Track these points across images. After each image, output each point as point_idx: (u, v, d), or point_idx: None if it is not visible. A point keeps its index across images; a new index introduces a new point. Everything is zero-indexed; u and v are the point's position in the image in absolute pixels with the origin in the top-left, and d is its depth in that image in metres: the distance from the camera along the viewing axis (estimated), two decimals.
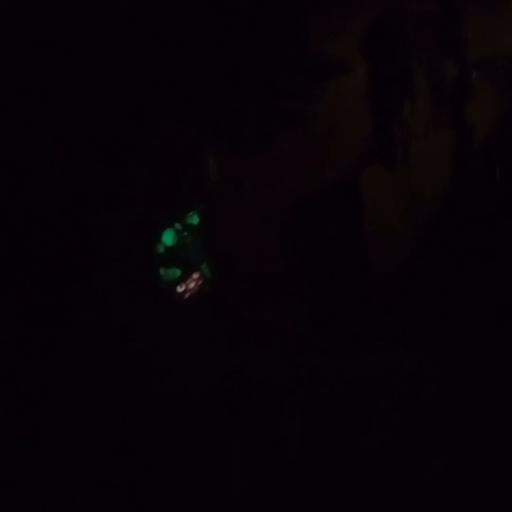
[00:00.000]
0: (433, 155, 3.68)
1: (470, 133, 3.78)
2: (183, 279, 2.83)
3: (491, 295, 3.56)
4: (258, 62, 2.71)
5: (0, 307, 2.33)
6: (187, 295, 2.83)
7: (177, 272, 2.82)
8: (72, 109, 2.41)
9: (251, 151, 2.89)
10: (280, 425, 2.86)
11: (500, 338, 3.28)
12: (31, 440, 2.37)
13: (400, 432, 2.83)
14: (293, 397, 2.97)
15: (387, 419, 2.87)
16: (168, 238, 2.78)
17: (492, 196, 3.78)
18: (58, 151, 2.34)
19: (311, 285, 3.29)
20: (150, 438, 2.64)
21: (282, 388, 3.01)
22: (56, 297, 2.37)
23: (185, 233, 2.82)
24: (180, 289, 2.82)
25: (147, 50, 2.44)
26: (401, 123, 3.45)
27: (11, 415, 2.33)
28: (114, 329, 2.52)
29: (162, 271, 2.77)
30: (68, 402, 2.45)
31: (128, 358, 2.60)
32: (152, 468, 2.62)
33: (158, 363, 2.70)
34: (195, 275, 2.86)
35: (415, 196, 3.60)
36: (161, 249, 2.76)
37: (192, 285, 2.84)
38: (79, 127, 2.43)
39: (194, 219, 2.85)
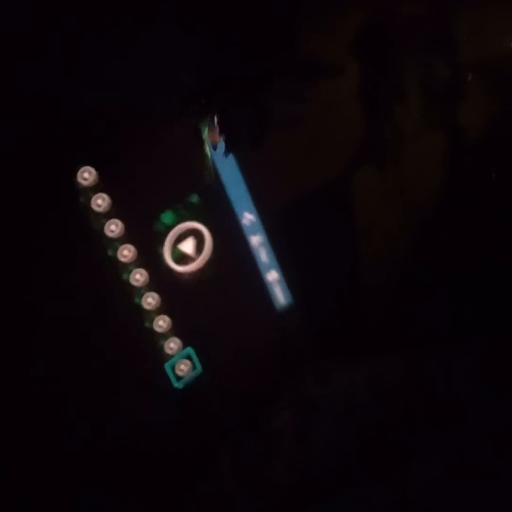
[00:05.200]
0: (424, 157, 3.70)
1: (462, 134, 3.80)
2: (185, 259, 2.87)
3: (487, 295, 3.56)
4: (250, 63, 2.79)
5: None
6: (187, 276, 2.87)
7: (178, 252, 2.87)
8: (74, 108, 2.52)
9: (243, 152, 2.95)
10: (276, 426, 2.85)
11: (500, 339, 3.27)
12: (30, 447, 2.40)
13: (399, 434, 2.79)
14: (290, 399, 2.95)
15: (386, 421, 2.82)
16: (168, 217, 2.84)
17: (484, 198, 3.81)
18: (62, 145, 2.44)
19: (304, 285, 3.26)
20: (141, 437, 2.66)
21: (279, 389, 3.01)
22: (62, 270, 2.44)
23: (185, 212, 2.87)
24: (181, 269, 2.86)
25: (146, 50, 2.54)
26: (392, 125, 3.48)
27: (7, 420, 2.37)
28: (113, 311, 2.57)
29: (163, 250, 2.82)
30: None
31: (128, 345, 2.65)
32: (144, 468, 2.65)
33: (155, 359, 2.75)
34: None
35: (407, 197, 3.63)
36: (161, 228, 2.83)
37: (193, 265, 2.89)
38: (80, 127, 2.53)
39: (194, 198, 2.87)
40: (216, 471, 2.73)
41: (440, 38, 3.63)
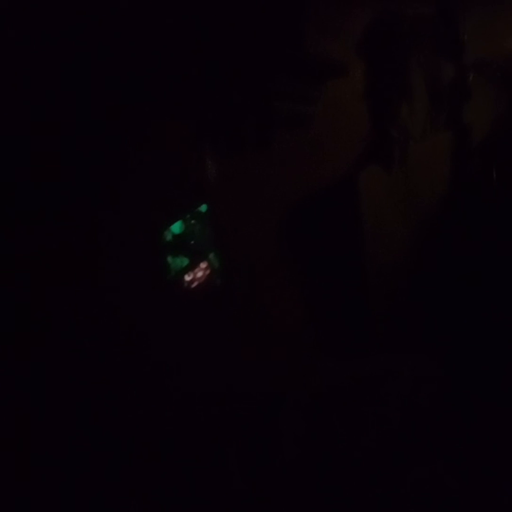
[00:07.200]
0: (430, 156, 3.71)
1: (467, 134, 3.80)
2: (191, 268, 2.84)
3: (490, 296, 3.58)
4: (257, 64, 2.76)
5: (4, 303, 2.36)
6: (194, 285, 2.83)
7: (185, 261, 2.82)
8: (75, 109, 2.47)
9: (249, 152, 2.93)
10: (279, 426, 2.81)
11: (500, 339, 3.23)
12: (32, 440, 2.38)
13: (398, 433, 2.78)
14: (292, 398, 2.93)
15: (386, 421, 2.82)
16: (176, 226, 2.78)
17: (489, 197, 3.81)
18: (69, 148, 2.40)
19: (310, 285, 3.28)
20: (149, 436, 2.63)
21: (282, 388, 2.99)
22: (62, 288, 2.40)
23: (193, 221, 2.83)
24: (187, 278, 2.82)
25: (147, 50, 2.50)
26: (398, 125, 3.46)
27: (13, 414, 2.34)
28: (120, 320, 2.54)
29: (169, 259, 2.77)
30: (69, 398, 2.46)
31: (131, 352, 2.61)
32: (152, 468, 2.62)
33: (161, 358, 2.71)
34: (203, 265, 2.87)
35: (413, 197, 3.62)
36: (169, 237, 2.76)
37: (199, 274, 2.85)
38: (85, 127, 2.49)
39: (202, 207, 2.84)
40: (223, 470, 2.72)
41: (445, 38, 3.62)
